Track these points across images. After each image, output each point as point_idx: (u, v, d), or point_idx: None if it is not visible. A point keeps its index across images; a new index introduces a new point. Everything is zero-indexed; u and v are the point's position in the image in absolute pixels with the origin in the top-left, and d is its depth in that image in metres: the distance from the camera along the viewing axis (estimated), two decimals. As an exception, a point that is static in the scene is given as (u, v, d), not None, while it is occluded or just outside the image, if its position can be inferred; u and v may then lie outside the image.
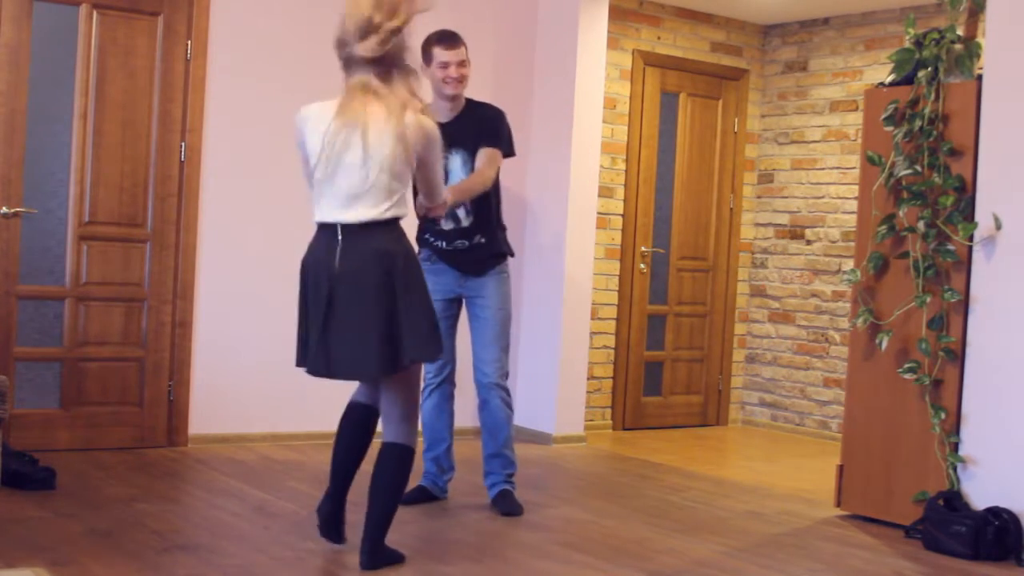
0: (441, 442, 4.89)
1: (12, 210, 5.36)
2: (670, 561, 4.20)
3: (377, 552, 3.85)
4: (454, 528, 4.53)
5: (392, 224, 3.76)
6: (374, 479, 3.84)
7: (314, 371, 3.80)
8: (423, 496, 4.86)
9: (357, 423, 4.01)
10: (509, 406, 4.87)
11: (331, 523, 4.06)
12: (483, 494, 5.01)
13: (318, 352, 3.76)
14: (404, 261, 3.74)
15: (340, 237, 3.71)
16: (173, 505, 4.65)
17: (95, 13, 5.51)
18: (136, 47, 5.62)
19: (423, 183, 3.96)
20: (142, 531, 4.16)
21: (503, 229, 4.90)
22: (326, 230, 3.76)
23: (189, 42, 5.73)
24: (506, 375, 4.86)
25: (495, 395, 4.82)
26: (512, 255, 4.92)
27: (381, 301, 3.68)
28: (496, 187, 4.81)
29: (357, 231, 3.71)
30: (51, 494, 4.63)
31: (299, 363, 3.88)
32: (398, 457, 3.84)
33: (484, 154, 4.70)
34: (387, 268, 3.69)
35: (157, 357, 5.72)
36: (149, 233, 5.70)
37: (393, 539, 4.26)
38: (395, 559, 3.92)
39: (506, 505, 4.80)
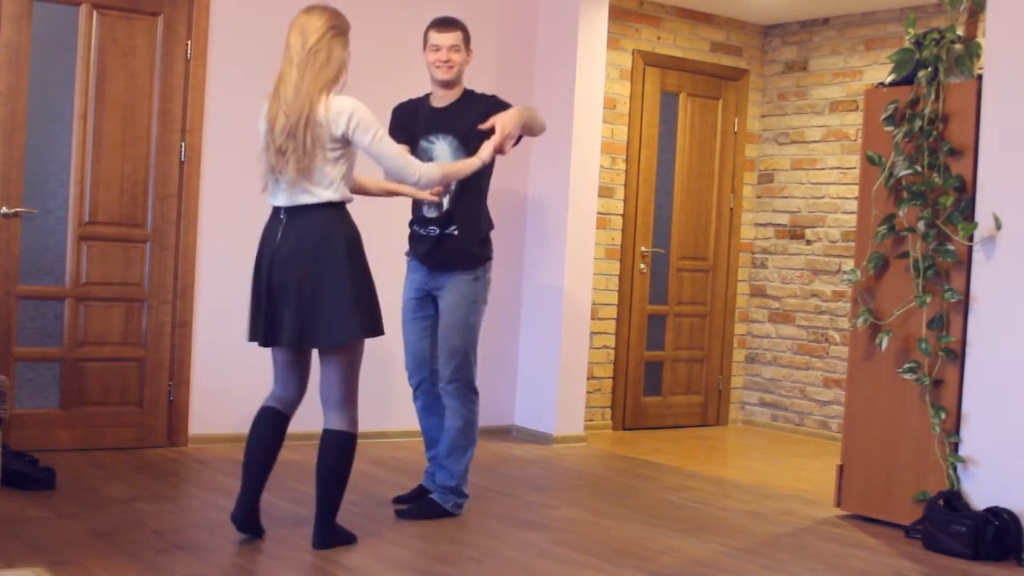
0: (437, 442, 4.87)
1: (12, 210, 5.36)
2: (670, 561, 4.20)
3: (329, 532, 4.04)
4: (455, 528, 4.53)
5: (328, 207, 3.91)
6: (319, 468, 4.01)
7: (269, 343, 3.97)
8: (424, 495, 4.85)
9: (269, 429, 4.08)
10: (459, 415, 4.63)
11: (249, 524, 4.10)
12: (484, 495, 5.02)
13: (269, 325, 3.93)
14: (343, 242, 3.90)
15: (283, 219, 3.94)
16: (173, 505, 4.66)
17: (95, 13, 5.51)
18: (136, 47, 5.62)
19: (376, 162, 4.00)
20: (142, 531, 4.16)
21: (487, 227, 4.72)
22: (275, 212, 3.99)
23: (189, 42, 5.74)
24: (459, 380, 4.62)
25: (445, 398, 4.68)
26: (488, 258, 4.73)
27: (307, 281, 3.87)
28: (486, 183, 4.67)
29: (298, 213, 3.90)
30: (51, 494, 4.63)
31: (251, 338, 4.05)
32: (339, 445, 4.00)
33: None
34: (323, 248, 3.87)
35: (157, 357, 5.72)
36: (149, 233, 5.70)
37: (394, 538, 4.27)
38: (347, 539, 4.10)
39: (414, 511, 4.64)
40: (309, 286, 3.87)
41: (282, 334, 3.93)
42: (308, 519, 4.38)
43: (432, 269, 4.69)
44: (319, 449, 4.02)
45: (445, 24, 4.64)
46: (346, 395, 4.00)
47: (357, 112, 3.87)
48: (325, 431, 4.01)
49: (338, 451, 3.99)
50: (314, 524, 4.05)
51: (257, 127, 4.04)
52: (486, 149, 4.36)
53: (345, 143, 3.90)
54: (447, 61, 4.60)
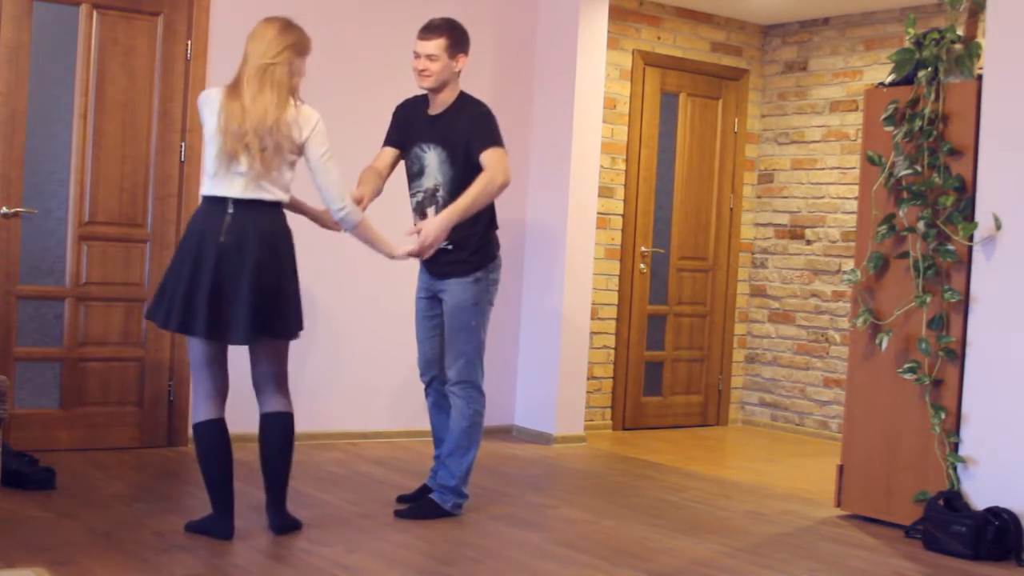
0: (443, 440, 4.87)
1: (12, 210, 5.36)
2: (670, 561, 4.20)
3: (286, 516, 4.21)
4: (455, 528, 4.53)
5: (279, 206, 4.07)
6: (270, 451, 4.17)
7: (201, 333, 4.01)
8: (427, 494, 4.85)
9: (220, 441, 4.14)
10: (464, 416, 4.65)
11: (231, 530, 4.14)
12: (484, 495, 5.02)
13: (208, 316, 3.97)
14: (290, 239, 4.10)
15: (231, 211, 3.99)
16: (173, 505, 4.65)
17: (95, 13, 5.51)
18: (136, 47, 5.62)
19: (315, 177, 4.10)
20: (142, 531, 4.16)
21: (488, 233, 4.67)
22: (219, 202, 4.01)
23: (189, 42, 5.73)
24: (465, 382, 4.64)
25: (452, 398, 4.68)
26: (491, 259, 4.69)
27: (265, 274, 3.99)
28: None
29: (251, 207, 4.00)
30: (51, 494, 4.63)
31: (153, 317, 4.11)
32: (287, 425, 4.20)
33: (487, 157, 4.47)
34: (277, 243, 4.05)
35: (157, 357, 5.72)
36: (149, 233, 5.70)
37: (396, 538, 4.27)
38: (296, 524, 4.25)
39: (413, 511, 4.66)
40: (267, 278, 3.98)
41: (233, 331, 3.99)
42: (307, 519, 4.39)
43: (432, 275, 4.72)
44: (268, 433, 4.17)
45: (426, 31, 4.58)
46: (284, 379, 4.22)
47: (320, 124, 4.07)
48: (271, 415, 4.18)
49: (287, 430, 4.19)
50: (271, 509, 4.19)
51: (200, 111, 4.12)
52: (401, 251, 4.41)
53: (300, 151, 4.05)
54: (423, 70, 4.56)
